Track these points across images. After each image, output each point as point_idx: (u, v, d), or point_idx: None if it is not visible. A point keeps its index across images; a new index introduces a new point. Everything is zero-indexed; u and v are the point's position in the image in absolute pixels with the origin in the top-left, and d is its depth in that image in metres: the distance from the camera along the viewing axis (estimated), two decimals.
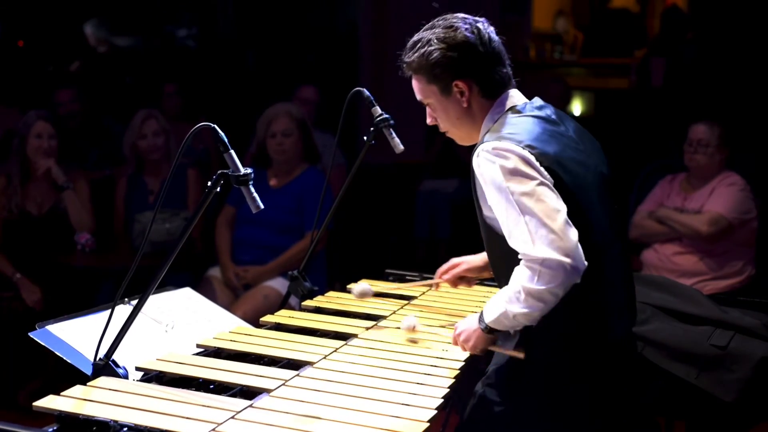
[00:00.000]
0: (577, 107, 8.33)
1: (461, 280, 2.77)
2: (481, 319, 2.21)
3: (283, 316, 2.68)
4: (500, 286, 2.24)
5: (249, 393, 2.05)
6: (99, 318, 2.43)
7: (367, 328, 2.58)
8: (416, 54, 2.28)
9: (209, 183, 2.07)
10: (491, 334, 2.21)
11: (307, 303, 2.85)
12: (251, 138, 4.96)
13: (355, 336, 2.51)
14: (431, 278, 2.85)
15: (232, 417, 1.88)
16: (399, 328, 2.52)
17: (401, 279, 3.17)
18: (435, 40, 2.25)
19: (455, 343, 2.33)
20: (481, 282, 2.93)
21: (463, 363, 2.28)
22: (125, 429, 1.82)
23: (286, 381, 2.11)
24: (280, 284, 4.48)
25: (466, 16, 2.31)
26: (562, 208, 2.08)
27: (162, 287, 2.69)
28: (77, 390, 1.98)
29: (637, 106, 7.53)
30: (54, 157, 4.66)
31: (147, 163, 4.96)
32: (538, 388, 2.22)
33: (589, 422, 2.24)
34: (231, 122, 3.94)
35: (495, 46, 2.29)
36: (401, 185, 7.01)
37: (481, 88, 2.28)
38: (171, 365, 2.19)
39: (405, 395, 2.05)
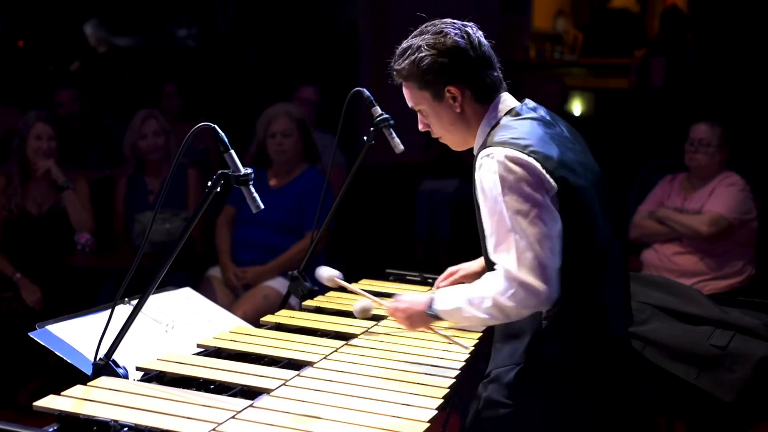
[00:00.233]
0: (577, 107, 8.32)
1: None
2: (430, 304, 2.24)
3: (283, 316, 2.68)
4: None
5: (249, 393, 2.05)
6: (99, 318, 2.43)
7: (368, 329, 2.58)
8: (407, 61, 2.27)
9: (209, 183, 2.06)
10: (433, 319, 2.26)
11: (308, 303, 2.85)
12: (251, 138, 4.96)
13: (355, 336, 2.51)
14: (431, 278, 2.84)
15: (233, 417, 1.88)
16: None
17: (401, 279, 3.17)
18: (425, 47, 2.24)
19: (391, 313, 2.37)
20: None
21: (463, 363, 2.29)
22: (125, 429, 1.81)
23: (287, 381, 2.10)
24: (280, 284, 4.48)
25: (455, 21, 2.30)
26: (554, 233, 2.09)
27: (162, 287, 2.68)
28: (77, 390, 1.98)
29: (637, 106, 7.53)
30: (54, 158, 4.66)
31: (147, 163, 4.96)
32: (544, 389, 2.23)
33: (592, 421, 2.24)
34: (231, 122, 3.94)
35: (485, 50, 2.29)
36: (401, 185, 7.00)
37: (473, 92, 2.28)
38: (171, 365, 2.19)
39: (405, 395, 2.05)
